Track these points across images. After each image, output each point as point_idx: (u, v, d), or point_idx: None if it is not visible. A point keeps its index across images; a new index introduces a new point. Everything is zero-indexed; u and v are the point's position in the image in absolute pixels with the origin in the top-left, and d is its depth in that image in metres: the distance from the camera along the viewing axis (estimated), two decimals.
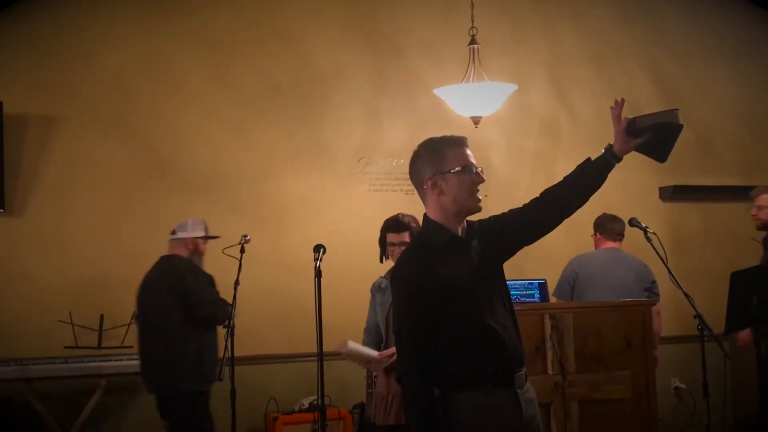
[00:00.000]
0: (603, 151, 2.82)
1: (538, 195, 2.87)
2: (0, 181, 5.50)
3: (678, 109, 2.81)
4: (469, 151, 2.78)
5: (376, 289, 4.65)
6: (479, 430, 2.64)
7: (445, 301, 2.65)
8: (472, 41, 5.54)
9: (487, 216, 2.91)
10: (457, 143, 2.78)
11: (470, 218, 2.83)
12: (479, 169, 2.76)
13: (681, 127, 2.78)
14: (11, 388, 5.21)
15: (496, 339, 2.68)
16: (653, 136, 2.76)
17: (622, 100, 2.80)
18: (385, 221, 4.61)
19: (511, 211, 2.88)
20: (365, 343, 4.66)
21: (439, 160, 2.76)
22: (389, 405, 4.37)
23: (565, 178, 2.84)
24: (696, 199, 7.06)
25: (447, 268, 2.69)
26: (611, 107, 2.81)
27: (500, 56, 6.55)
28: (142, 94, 5.96)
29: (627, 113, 2.82)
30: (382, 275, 4.68)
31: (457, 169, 2.72)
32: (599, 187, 2.82)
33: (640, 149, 2.81)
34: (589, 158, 2.84)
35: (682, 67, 7.22)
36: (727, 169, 7.19)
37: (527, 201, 2.89)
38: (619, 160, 2.80)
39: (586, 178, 2.81)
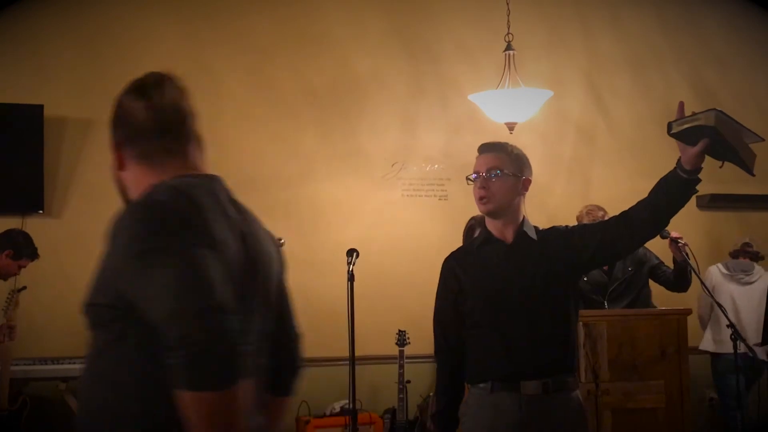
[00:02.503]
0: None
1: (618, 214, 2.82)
2: (39, 183, 5.57)
3: (714, 110, 2.55)
4: (483, 158, 2.89)
5: None
6: (473, 425, 2.80)
7: (465, 295, 2.86)
8: (508, 47, 5.53)
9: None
10: (479, 151, 2.95)
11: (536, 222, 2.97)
12: (486, 175, 2.84)
13: (714, 129, 2.50)
14: (47, 387, 5.27)
15: (507, 340, 2.77)
16: (713, 141, 2.51)
17: (681, 104, 2.63)
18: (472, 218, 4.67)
19: (592, 224, 3.03)
20: None
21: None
22: None
23: (649, 194, 2.71)
24: (733, 208, 6.96)
25: (476, 265, 2.88)
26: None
27: (537, 62, 6.52)
28: None
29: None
30: None
31: (471, 176, 2.90)
32: (680, 202, 2.65)
33: (719, 157, 2.57)
34: (668, 174, 2.68)
35: (721, 74, 7.13)
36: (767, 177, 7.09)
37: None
38: (687, 172, 2.58)
39: (659, 195, 2.66)
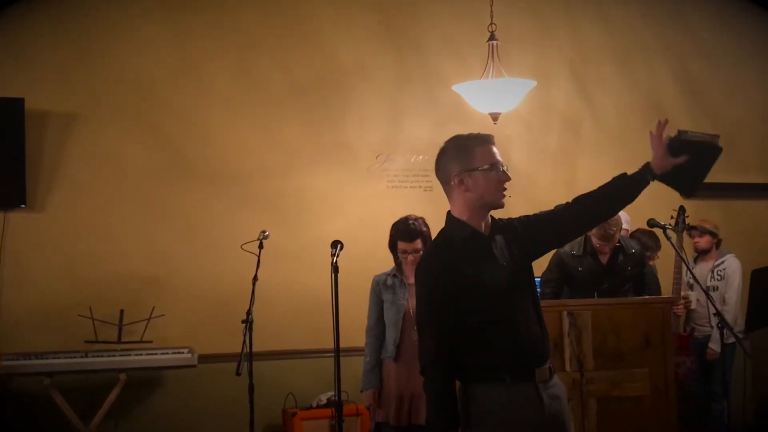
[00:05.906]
0: (641, 167, 2.86)
1: (570, 200, 2.92)
2: (21, 177, 5.53)
3: (719, 135, 2.89)
4: (495, 149, 2.83)
5: (383, 286, 4.65)
6: (498, 423, 2.70)
7: (464, 295, 2.73)
8: (491, 37, 5.52)
9: (508, 215, 2.96)
10: (485, 141, 2.84)
11: (500, 216, 2.92)
12: (505, 168, 2.82)
13: (720, 150, 2.85)
14: (32, 382, 5.25)
15: (513, 333, 2.73)
16: (690, 159, 2.80)
17: (666, 121, 2.83)
18: (395, 226, 4.63)
19: (542, 212, 2.92)
20: (370, 345, 4.66)
21: (466, 157, 2.80)
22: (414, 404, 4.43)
23: (599, 188, 2.88)
24: (718, 197, 6.99)
25: (466, 262, 2.76)
26: (651, 133, 2.84)
27: (523, 53, 6.52)
28: (164, 91, 5.98)
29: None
30: (387, 272, 4.70)
31: (485, 167, 2.77)
32: (630, 201, 2.88)
33: (664, 179, 2.84)
34: (625, 173, 2.86)
35: (707, 65, 7.14)
36: (751, 166, 7.12)
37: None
38: (655, 177, 2.83)
39: (620, 192, 2.86)
